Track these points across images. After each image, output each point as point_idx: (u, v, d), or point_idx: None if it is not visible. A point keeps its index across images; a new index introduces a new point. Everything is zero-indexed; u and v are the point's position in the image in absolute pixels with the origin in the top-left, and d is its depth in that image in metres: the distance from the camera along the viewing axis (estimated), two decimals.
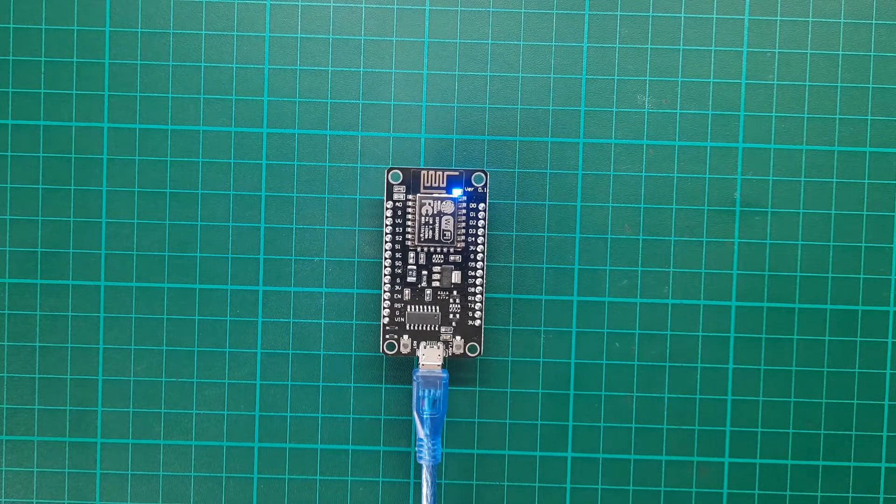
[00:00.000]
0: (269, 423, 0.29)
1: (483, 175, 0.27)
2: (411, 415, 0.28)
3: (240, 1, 0.28)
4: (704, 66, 0.28)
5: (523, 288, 0.29)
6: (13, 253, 0.28)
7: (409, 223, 0.27)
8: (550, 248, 0.28)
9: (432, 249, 0.27)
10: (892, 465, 0.29)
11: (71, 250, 0.28)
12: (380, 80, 0.28)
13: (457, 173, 0.27)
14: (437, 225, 0.27)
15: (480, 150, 0.28)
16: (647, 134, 0.28)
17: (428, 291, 0.27)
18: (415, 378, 0.27)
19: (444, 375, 0.27)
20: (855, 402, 0.29)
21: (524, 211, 0.28)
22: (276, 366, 0.29)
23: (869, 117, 0.28)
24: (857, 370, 0.28)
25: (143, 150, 0.28)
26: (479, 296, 0.27)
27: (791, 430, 0.29)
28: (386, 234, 0.27)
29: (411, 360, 0.29)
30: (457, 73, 0.28)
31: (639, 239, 0.28)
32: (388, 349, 0.27)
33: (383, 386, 0.29)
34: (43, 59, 0.28)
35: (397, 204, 0.27)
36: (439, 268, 0.27)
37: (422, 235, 0.27)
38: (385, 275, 0.27)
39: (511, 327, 0.29)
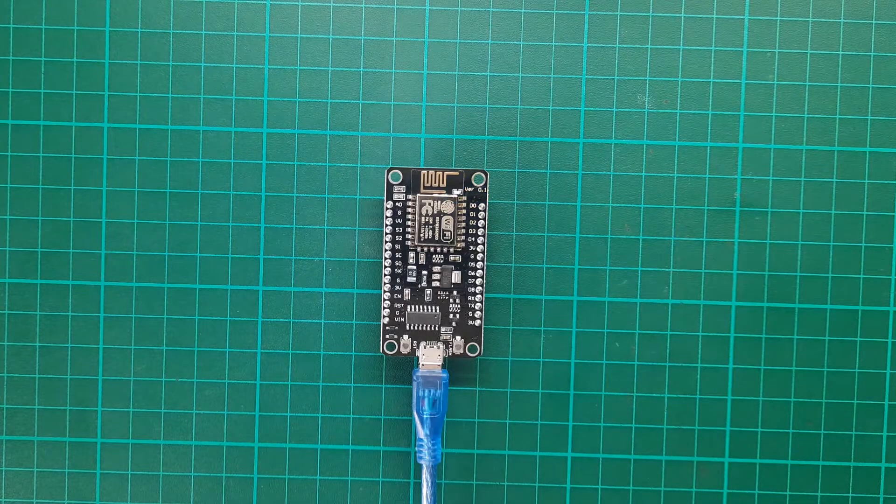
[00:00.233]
0: (269, 423, 0.29)
1: (483, 175, 0.27)
2: (411, 415, 0.28)
3: (240, 1, 0.28)
4: (704, 66, 0.28)
5: (523, 288, 0.29)
6: (13, 253, 0.28)
7: (409, 223, 0.27)
8: (550, 248, 0.28)
9: (432, 249, 0.27)
10: (892, 465, 0.29)
11: (71, 250, 0.28)
12: (380, 80, 0.28)
13: (457, 173, 0.27)
14: (437, 225, 0.27)
15: (480, 150, 0.28)
16: (647, 134, 0.28)
17: (428, 291, 0.27)
18: (415, 378, 0.27)
19: (444, 375, 0.27)
20: (855, 402, 0.29)
21: (524, 211, 0.28)
22: (276, 366, 0.29)
23: (869, 117, 0.28)
24: (857, 370, 0.28)
25: (143, 150, 0.28)
26: (479, 296, 0.27)
27: (791, 430, 0.29)
28: (386, 234, 0.27)
29: (411, 360, 0.29)
30: (457, 73, 0.28)
31: (639, 239, 0.28)
32: (388, 349, 0.27)
33: (383, 386, 0.29)
34: (43, 59, 0.28)
35: (397, 204, 0.27)
36: (439, 268, 0.27)
37: (422, 235, 0.27)
38: (385, 275, 0.27)
39: (511, 327, 0.29)
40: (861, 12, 0.28)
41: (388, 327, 0.27)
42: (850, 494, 0.29)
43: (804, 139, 0.28)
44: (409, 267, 0.27)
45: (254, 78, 0.28)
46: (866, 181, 0.28)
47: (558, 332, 0.29)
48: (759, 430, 0.29)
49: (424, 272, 0.27)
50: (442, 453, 0.29)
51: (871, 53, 0.28)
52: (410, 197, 0.27)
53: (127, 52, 0.28)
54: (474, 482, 0.29)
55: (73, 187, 0.28)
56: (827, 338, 0.28)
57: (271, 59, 0.28)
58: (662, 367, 0.29)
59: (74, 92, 0.28)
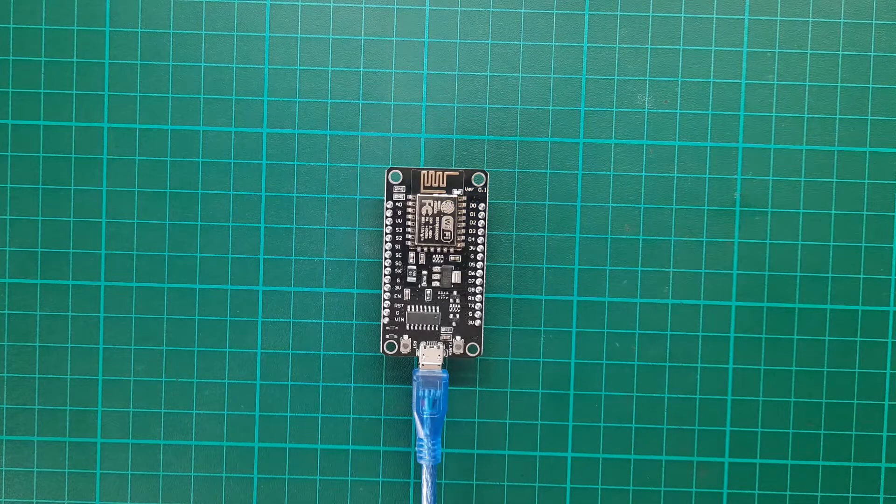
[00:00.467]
0: (269, 423, 0.29)
1: (483, 175, 0.27)
2: (411, 415, 0.28)
3: (240, 1, 0.28)
4: (704, 66, 0.28)
5: (523, 288, 0.29)
6: (13, 253, 0.28)
7: (409, 223, 0.27)
8: (550, 248, 0.28)
9: (432, 249, 0.27)
10: (892, 465, 0.29)
11: (71, 250, 0.28)
12: (380, 80, 0.28)
13: (457, 173, 0.27)
14: (437, 225, 0.27)
15: (480, 150, 0.28)
16: (647, 134, 0.28)
17: (428, 291, 0.27)
18: (415, 378, 0.27)
19: (444, 375, 0.27)
20: (855, 402, 0.29)
21: (524, 211, 0.28)
22: (276, 366, 0.29)
23: (869, 117, 0.28)
24: (857, 370, 0.28)
25: (143, 150, 0.28)
26: (479, 296, 0.27)
27: (791, 430, 0.29)
28: (386, 234, 0.27)
29: (411, 360, 0.29)
30: (457, 73, 0.28)
31: (639, 239, 0.28)
32: (388, 349, 0.27)
33: (383, 386, 0.29)
34: (43, 59, 0.28)
35: (397, 204, 0.27)
36: (439, 268, 0.27)
37: (422, 235, 0.27)
38: (385, 275, 0.27)
39: (511, 327, 0.29)
40: (861, 12, 0.28)
41: (388, 327, 0.27)
42: (850, 494, 0.29)
43: (804, 139, 0.28)
44: (409, 267, 0.27)
45: (254, 78, 0.28)
46: (866, 181, 0.28)
47: (558, 332, 0.29)
48: (759, 430, 0.29)
49: (424, 272, 0.27)
50: (442, 453, 0.29)
51: (871, 53, 0.28)
52: (410, 197, 0.27)
53: (127, 52, 0.28)
54: (474, 482, 0.29)
55: (73, 187, 0.28)
56: (827, 338, 0.28)
57: (271, 59, 0.28)
58: (662, 367, 0.29)
59: (74, 92, 0.28)
